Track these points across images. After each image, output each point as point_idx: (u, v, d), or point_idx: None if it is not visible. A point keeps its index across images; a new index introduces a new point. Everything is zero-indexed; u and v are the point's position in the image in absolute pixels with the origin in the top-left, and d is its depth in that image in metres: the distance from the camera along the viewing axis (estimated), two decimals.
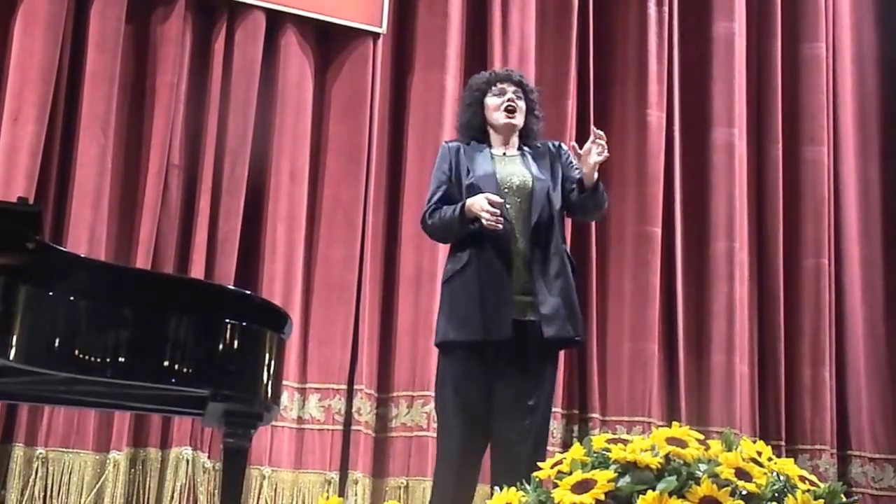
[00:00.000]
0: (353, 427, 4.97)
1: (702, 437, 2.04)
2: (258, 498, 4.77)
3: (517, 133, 3.66)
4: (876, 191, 6.34)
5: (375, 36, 5.36)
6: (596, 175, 3.46)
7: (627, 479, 1.92)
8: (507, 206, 3.47)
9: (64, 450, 4.54)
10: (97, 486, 4.55)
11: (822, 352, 5.86)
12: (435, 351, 3.65)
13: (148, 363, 2.89)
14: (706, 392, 5.60)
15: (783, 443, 5.68)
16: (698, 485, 1.89)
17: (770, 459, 2.01)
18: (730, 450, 1.98)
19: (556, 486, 1.96)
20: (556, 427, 5.20)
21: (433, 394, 3.74)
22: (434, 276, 3.65)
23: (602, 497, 1.89)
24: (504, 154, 3.62)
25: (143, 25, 5.04)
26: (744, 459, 1.96)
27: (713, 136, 5.91)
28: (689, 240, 5.84)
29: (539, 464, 2.08)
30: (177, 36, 4.98)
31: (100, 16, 4.88)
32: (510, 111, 3.61)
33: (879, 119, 6.44)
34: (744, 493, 1.90)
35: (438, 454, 3.53)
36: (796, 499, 1.91)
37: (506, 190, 3.50)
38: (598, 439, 2.04)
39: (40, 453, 4.50)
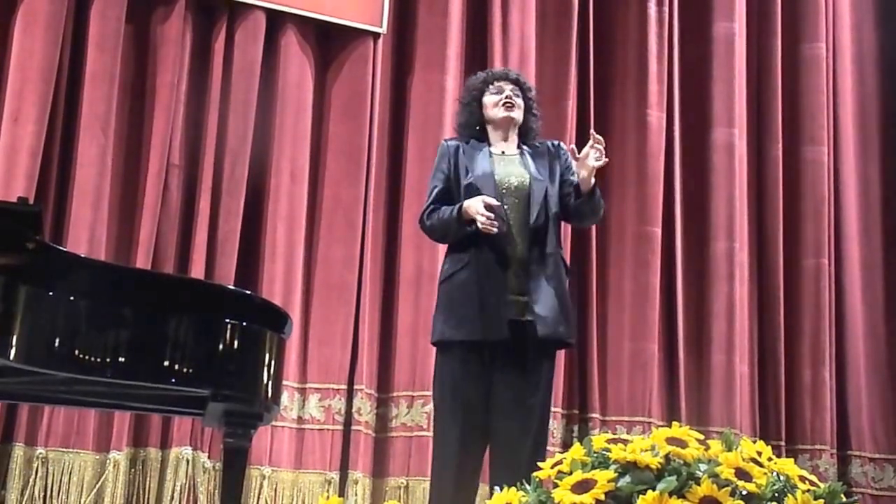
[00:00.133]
0: (354, 427, 4.97)
1: (702, 437, 2.04)
2: (258, 498, 4.77)
3: (516, 131, 3.66)
4: (876, 191, 6.34)
5: (376, 36, 5.36)
6: (593, 180, 3.46)
7: (627, 479, 1.92)
8: (505, 206, 3.47)
9: (64, 450, 4.54)
10: (97, 486, 4.55)
11: (822, 352, 5.86)
12: (435, 351, 3.64)
13: (148, 363, 2.89)
14: (706, 392, 5.60)
15: (783, 443, 5.68)
16: (698, 485, 1.89)
17: (770, 459, 2.01)
18: (730, 450, 1.98)
19: (556, 486, 1.96)
20: (556, 427, 5.20)
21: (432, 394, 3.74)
22: (434, 276, 3.66)
23: (602, 497, 1.89)
24: (503, 153, 3.62)
25: (143, 25, 5.04)
26: (744, 459, 1.96)
27: (713, 136, 5.91)
28: (689, 240, 5.84)
29: (539, 464, 2.08)
30: (177, 36, 4.98)
31: (100, 16, 4.88)
32: (509, 105, 3.61)
33: (879, 119, 6.44)
34: (744, 493, 1.90)
35: (437, 456, 3.52)
36: (796, 499, 1.91)
37: (504, 190, 3.50)
38: (599, 439, 2.04)
39: (40, 453, 4.50)
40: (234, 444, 3.02)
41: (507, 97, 3.62)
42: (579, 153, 3.46)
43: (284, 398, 4.77)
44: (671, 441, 1.99)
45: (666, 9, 5.92)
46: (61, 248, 3.41)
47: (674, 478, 1.90)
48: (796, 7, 6.28)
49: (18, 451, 4.48)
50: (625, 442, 2.00)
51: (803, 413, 5.80)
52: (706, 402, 5.58)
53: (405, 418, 5.05)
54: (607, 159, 3.47)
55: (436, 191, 3.57)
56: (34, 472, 4.48)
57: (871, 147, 6.39)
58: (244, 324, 3.00)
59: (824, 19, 6.28)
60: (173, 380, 2.91)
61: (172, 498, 4.59)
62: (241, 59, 5.09)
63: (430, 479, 3.67)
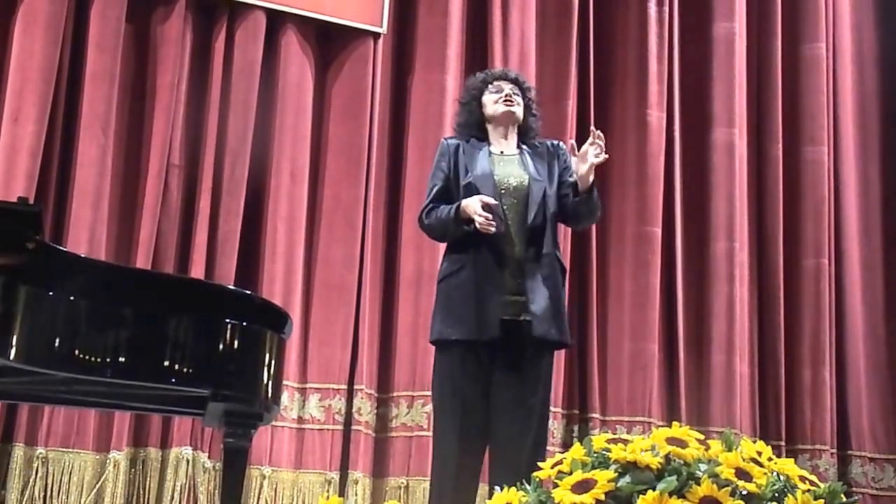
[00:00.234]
0: (354, 427, 4.97)
1: (702, 437, 2.04)
2: (258, 498, 4.77)
3: (516, 130, 3.66)
4: (876, 191, 6.34)
5: (376, 36, 5.36)
6: (592, 178, 3.46)
7: (627, 479, 1.92)
8: (504, 206, 3.47)
9: (64, 450, 4.54)
10: (97, 486, 4.55)
11: (823, 352, 5.86)
12: (434, 351, 3.64)
13: (148, 363, 2.89)
14: (706, 392, 5.60)
15: (783, 443, 5.68)
16: (698, 485, 1.89)
17: (770, 459, 2.01)
18: (730, 450, 1.98)
19: (556, 485, 1.96)
20: (556, 427, 5.20)
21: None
22: (434, 276, 3.66)
23: (602, 497, 1.89)
24: (502, 153, 3.62)
25: (143, 25, 5.05)
26: (744, 459, 1.96)
27: (713, 136, 5.91)
28: (689, 240, 5.84)
29: (539, 463, 2.08)
30: (177, 36, 4.98)
31: (100, 16, 4.88)
32: (509, 101, 3.61)
33: (879, 119, 6.44)
34: (744, 493, 1.90)
35: (436, 455, 3.52)
36: (796, 499, 1.91)
37: (503, 191, 3.50)
38: (599, 439, 2.04)
39: (40, 453, 4.50)
40: (234, 444, 3.02)
41: (506, 95, 3.63)
42: (579, 150, 3.46)
43: (284, 398, 4.77)
44: (671, 441, 1.99)
45: (666, 9, 5.92)
46: (61, 248, 3.41)
47: (674, 478, 1.90)
48: (796, 7, 6.28)
49: (18, 451, 4.48)
50: (625, 442, 2.00)
51: (803, 413, 5.80)
52: (706, 403, 5.58)
53: (405, 418, 5.05)
54: (607, 155, 3.46)
55: (435, 189, 3.57)
56: (34, 472, 4.48)
57: (871, 147, 6.39)
58: (244, 324, 3.00)
59: (824, 19, 6.28)
60: (173, 380, 2.91)
61: (172, 498, 4.59)
62: (241, 59, 5.09)
63: (429, 478, 3.67)
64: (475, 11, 5.63)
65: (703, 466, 1.94)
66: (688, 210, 5.87)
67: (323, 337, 5.05)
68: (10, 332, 2.70)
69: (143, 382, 2.95)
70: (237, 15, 5.15)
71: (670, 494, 1.87)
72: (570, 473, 1.97)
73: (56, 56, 4.77)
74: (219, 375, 2.95)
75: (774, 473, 1.97)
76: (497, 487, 2.11)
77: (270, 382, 3.05)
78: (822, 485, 1.99)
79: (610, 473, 1.92)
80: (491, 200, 3.40)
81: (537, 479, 2.02)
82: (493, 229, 3.37)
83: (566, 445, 5.05)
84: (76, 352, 2.79)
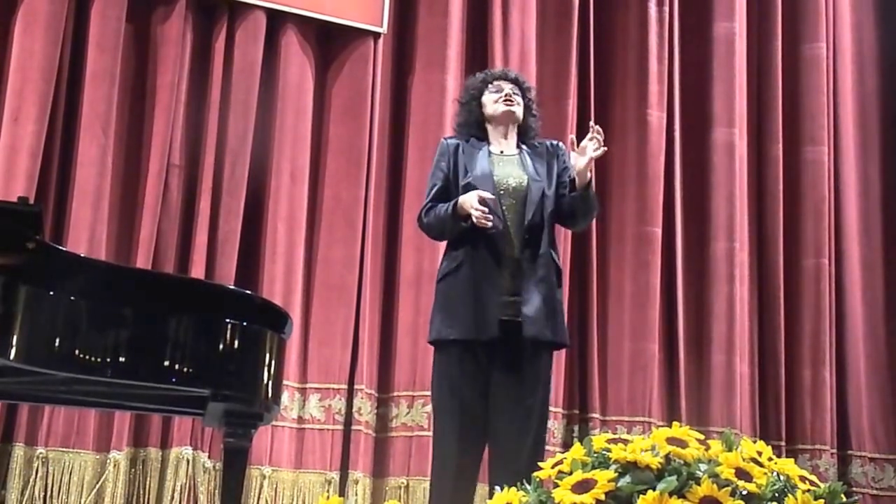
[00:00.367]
0: (354, 427, 4.98)
1: (702, 437, 2.04)
2: (258, 498, 4.77)
3: (516, 129, 3.66)
4: (876, 191, 6.34)
5: (376, 36, 5.36)
6: (589, 174, 3.46)
7: (628, 479, 1.92)
8: (503, 206, 3.47)
9: (64, 450, 4.54)
10: (97, 486, 4.55)
11: (823, 352, 5.86)
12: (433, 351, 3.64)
13: (148, 363, 2.89)
14: (706, 392, 5.60)
15: (783, 443, 5.68)
16: (698, 485, 1.89)
17: (770, 459, 2.00)
18: (730, 450, 1.98)
19: (556, 485, 1.96)
20: (556, 427, 5.21)
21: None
22: (434, 276, 3.67)
23: (602, 497, 1.89)
24: (502, 153, 3.61)
25: (143, 25, 5.05)
26: (744, 459, 1.96)
27: (713, 136, 5.92)
28: (689, 240, 5.84)
29: (538, 463, 2.08)
30: (177, 36, 4.98)
31: (100, 15, 4.88)
32: (509, 101, 3.61)
33: (879, 119, 6.44)
34: (744, 493, 1.90)
35: (436, 455, 3.52)
36: (796, 499, 1.91)
37: (502, 191, 3.50)
38: (599, 439, 2.03)
39: (40, 453, 4.50)
40: (235, 444, 3.02)
41: (506, 94, 3.62)
42: (579, 146, 3.46)
43: (285, 398, 4.77)
44: (671, 441, 1.99)
45: (666, 9, 5.92)
46: (61, 248, 3.41)
47: (674, 478, 1.90)
48: (796, 7, 6.28)
49: (18, 451, 4.48)
50: (625, 442, 2.00)
51: (803, 413, 5.80)
52: (706, 403, 5.58)
53: (405, 418, 5.05)
54: (605, 148, 3.46)
55: (434, 189, 3.57)
56: (34, 472, 4.48)
57: (871, 147, 6.39)
58: (244, 324, 3.00)
59: (824, 19, 6.28)
60: (173, 379, 2.91)
61: (172, 498, 4.59)
62: (241, 59, 5.09)
63: (429, 478, 3.67)
64: (475, 11, 5.63)
65: (703, 466, 1.94)
66: (688, 210, 5.87)
67: (323, 337, 5.05)
68: (10, 332, 2.70)
69: (143, 382, 2.95)
70: (237, 15, 5.15)
71: (670, 494, 1.87)
72: (571, 473, 1.97)
73: (56, 56, 4.77)
74: (219, 375, 2.95)
75: (774, 473, 1.97)
76: (497, 487, 2.11)
77: (270, 382, 3.05)
78: (822, 485, 1.99)
79: (610, 473, 1.92)
80: (488, 195, 3.39)
81: (537, 479, 2.02)
82: (489, 224, 3.36)
83: (566, 445, 5.05)
84: (76, 352, 2.79)
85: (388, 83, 5.44)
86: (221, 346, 2.97)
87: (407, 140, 5.39)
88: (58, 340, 2.77)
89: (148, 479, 4.64)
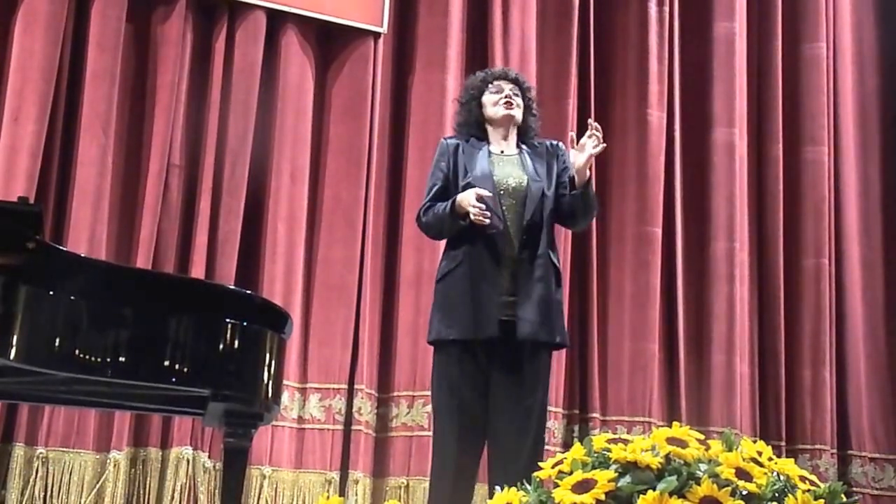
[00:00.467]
0: (354, 427, 4.98)
1: (702, 437, 2.04)
2: (259, 498, 4.77)
3: (516, 130, 3.66)
4: (876, 191, 6.35)
5: (376, 36, 5.36)
6: (588, 172, 3.46)
7: (628, 478, 1.92)
8: (503, 207, 3.47)
9: (64, 450, 4.54)
10: (97, 486, 4.55)
11: (823, 352, 5.87)
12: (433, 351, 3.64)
13: (148, 363, 2.89)
14: (706, 392, 5.60)
15: (783, 443, 5.69)
16: (699, 485, 1.89)
17: (770, 459, 2.01)
18: (730, 450, 1.98)
19: (556, 485, 1.96)
20: (556, 427, 5.21)
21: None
22: (434, 276, 3.67)
23: (602, 497, 1.89)
24: (502, 153, 3.61)
25: (143, 25, 5.05)
26: (744, 459, 1.96)
27: (713, 136, 5.92)
28: (689, 240, 5.84)
29: (538, 463, 2.08)
30: (177, 36, 4.98)
31: (100, 15, 4.88)
32: (508, 103, 3.61)
33: (879, 119, 6.44)
34: (744, 493, 1.90)
35: (435, 457, 3.52)
36: (796, 499, 1.91)
37: (501, 191, 3.50)
38: (599, 439, 2.03)
39: (40, 453, 4.50)
40: (235, 444, 3.02)
41: (506, 96, 3.62)
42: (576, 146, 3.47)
43: (285, 398, 4.77)
44: (671, 441, 1.99)
45: (666, 9, 5.92)
46: (61, 247, 3.41)
47: (674, 478, 1.90)
48: (796, 7, 6.28)
49: (19, 450, 4.48)
50: (625, 442, 2.00)
51: (803, 413, 5.80)
52: (706, 403, 5.58)
53: (405, 418, 5.05)
54: (605, 144, 3.46)
55: (434, 189, 3.57)
56: (34, 472, 4.48)
57: (871, 147, 6.39)
58: (244, 324, 3.00)
59: (824, 19, 6.28)
60: (174, 379, 2.91)
61: (173, 498, 4.59)
62: (241, 59, 5.09)
63: (429, 478, 3.67)
64: (475, 11, 5.63)
65: (703, 466, 1.94)
66: (688, 210, 5.87)
67: (323, 337, 5.05)
68: (11, 332, 2.70)
69: (143, 382, 2.95)
70: (237, 15, 5.15)
71: (670, 494, 1.87)
72: (571, 473, 1.97)
73: (56, 56, 4.77)
74: (219, 375, 2.95)
75: (774, 473, 1.97)
76: (497, 487, 2.11)
77: (271, 382, 3.05)
78: (822, 485, 1.99)
79: (610, 473, 1.92)
80: (485, 192, 3.39)
81: (538, 479, 2.03)
82: (487, 221, 3.36)
83: (567, 445, 5.05)
84: (76, 351, 2.79)
85: (389, 83, 5.44)
86: (221, 346, 2.97)
87: (407, 140, 5.39)
88: (58, 340, 2.77)
89: (148, 479, 4.64)
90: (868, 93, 6.45)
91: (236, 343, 3.00)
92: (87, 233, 4.69)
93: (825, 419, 5.78)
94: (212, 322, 2.97)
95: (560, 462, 2.02)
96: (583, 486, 1.91)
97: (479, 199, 3.36)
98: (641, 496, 1.87)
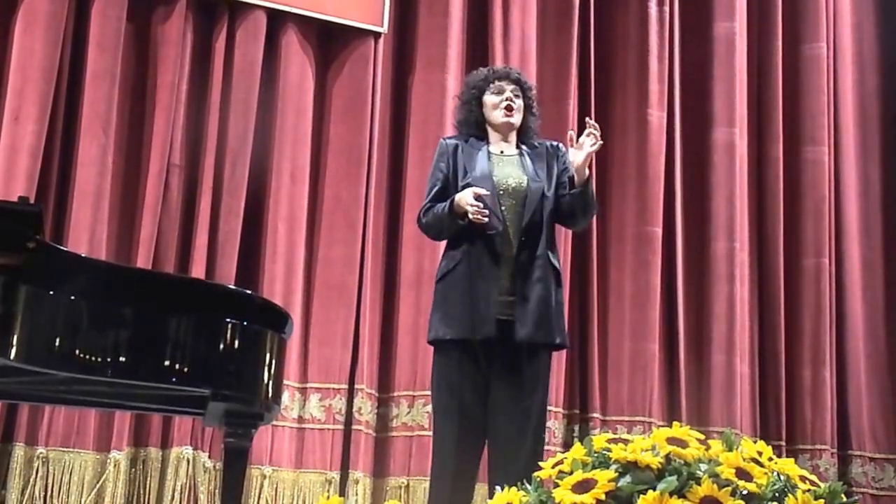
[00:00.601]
0: (354, 427, 4.98)
1: (702, 437, 2.04)
2: (259, 498, 4.77)
3: (515, 131, 3.66)
4: (876, 191, 6.34)
5: (376, 35, 5.36)
6: (587, 171, 3.46)
7: (628, 478, 1.92)
8: (502, 207, 3.47)
9: (64, 449, 4.54)
10: (97, 486, 4.55)
11: (823, 352, 5.87)
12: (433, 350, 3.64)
13: (148, 363, 2.89)
14: (706, 392, 5.60)
15: (783, 443, 5.69)
16: (699, 485, 1.89)
17: (770, 459, 2.01)
18: (730, 450, 1.98)
19: (556, 485, 1.96)
20: (556, 427, 5.21)
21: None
22: (434, 276, 3.67)
23: (602, 497, 1.89)
24: (502, 153, 3.61)
25: (143, 25, 5.05)
26: (744, 459, 1.96)
27: (714, 136, 5.92)
28: (689, 240, 5.84)
29: (538, 463, 2.08)
30: (177, 36, 4.98)
31: (100, 15, 4.88)
32: (509, 109, 3.61)
33: (879, 119, 6.44)
34: (744, 492, 1.90)
35: (435, 458, 3.52)
36: (797, 499, 1.91)
37: (501, 192, 3.50)
38: (599, 439, 2.04)
39: (41, 453, 4.50)
40: (235, 444, 3.02)
41: (507, 99, 3.61)
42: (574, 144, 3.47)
43: (285, 398, 4.77)
44: (672, 441, 1.99)
45: (667, 8, 5.92)
46: (61, 247, 3.41)
47: (674, 478, 1.90)
48: (796, 7, 6.28)
49: (19, 450, 4.48)
50: (625, 442, 2.00)
51: (803, 413, 5.80)
52: (706, 402, 5.58)
53: (406, 418, 5.05)
54: (602, 142, 3.46)
55: (434, 189, 3.57)
56: (34, 472, 4.48)
57: (871, 147, 6.39)
58: (245, 324, 3.00)
59: (824, 19, 6.28)
60: (174, 379, 2.91)
61: (173, 498, 4.59)
62: (241, 59, 5.09)
63: (429, 478, 3.67)
64: (476, 11, 5.63)
65: (703, 466, 1.94)
66: (688, 210, 5.87)
67: (323, 337, 5.05)
68: (11, 331, 2.70)
69: (143, 382, 2.95)
70: (237, 15, 5.15)
71: (671, 494, 1.87)
72: (571, 473, 1.97)
73: (56, 55, 4.77)
74: (219, 375, 2.95)
75: (775, 473, 1.97)
76: (497, 487, 2.11)
77: (271, 382, 3.05)
78: (822, 485, 1.99)
79: (610, 473, 1.92)
80: (483, 191, 3.39)
81: (538, 479, 2.03)
82: (485, 219, 3.36)
83: (567, 445, 5.05)
84: (76, 351, 2.79)
85: (389, 83, 5.44)
86: (222, 346, 2.97)
87: (407, 140, 5.39)
88: (58, 340, 2.77)
89: (148, 478, 4.64)
90: (868, 93, 6.45)
91: (236, 343, 3.00)
92: (87, 233, 4.69)
93: (825, 419, 5.78)
94: (212, 322, 2.97)
95: (560, 462, 2.02)
96: (583, 486, 1.91)
97: (477, 197, 3.36)
98: (641, 496, 1.87)
